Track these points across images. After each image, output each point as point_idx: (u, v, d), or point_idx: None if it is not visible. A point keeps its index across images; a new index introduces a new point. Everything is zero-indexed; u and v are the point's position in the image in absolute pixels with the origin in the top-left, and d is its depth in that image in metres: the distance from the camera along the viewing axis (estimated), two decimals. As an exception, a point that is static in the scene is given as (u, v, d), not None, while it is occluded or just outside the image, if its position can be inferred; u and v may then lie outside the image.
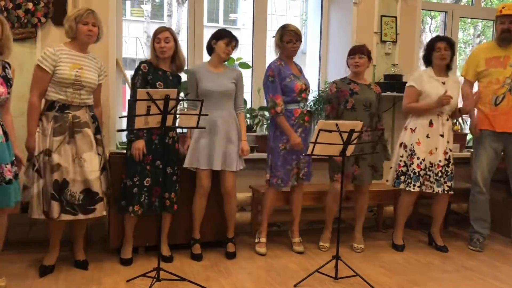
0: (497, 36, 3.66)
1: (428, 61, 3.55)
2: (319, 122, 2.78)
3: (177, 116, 2.95)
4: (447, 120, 3.47)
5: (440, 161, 3.42)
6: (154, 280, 2.68)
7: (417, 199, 4.09)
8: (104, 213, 2.87)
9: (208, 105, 3.12)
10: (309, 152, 2.82)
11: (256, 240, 3.51)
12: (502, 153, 3.69)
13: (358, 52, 3.43)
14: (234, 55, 4.13)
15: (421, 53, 3.64)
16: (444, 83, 3.46)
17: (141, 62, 3.09)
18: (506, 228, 3.98)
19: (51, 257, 2.96)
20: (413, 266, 3.29)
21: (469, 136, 4.83)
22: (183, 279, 2.80)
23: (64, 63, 2.78)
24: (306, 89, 3.40)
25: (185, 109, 3.67)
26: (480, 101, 3.67)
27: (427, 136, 3.45)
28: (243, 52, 4.47)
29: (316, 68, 4.55)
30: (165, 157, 3.05)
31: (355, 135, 2.81)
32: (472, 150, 4.43)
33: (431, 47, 3.50)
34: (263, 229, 3.51)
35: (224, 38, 3.20)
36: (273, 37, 3.45)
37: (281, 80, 3.32)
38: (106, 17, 3.53)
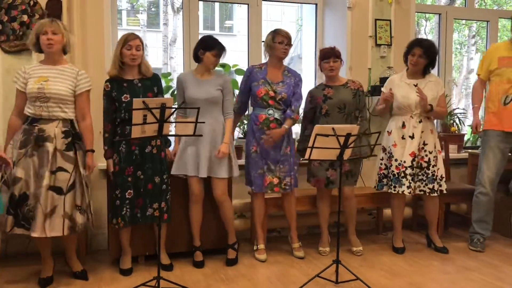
0: None
1: (406, 62, 3.56)
2: (315, 127, 2.79)
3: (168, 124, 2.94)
4: (420, 121, 3.45)
5: (405, 161, 3.42)
6: (154, 289, 2.68)
7: (415, 201, 4.11)
8: (64, 233, 2.75)
9: (194, 112, 3.12)
10: (306, 156, 2.83)
11: (255, 248, 3.51)
12: (509, 154, 3.67)
13: (332, 55, 3.41)
14: (230, 62, 4.16)
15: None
16: (416, 85, 3.46)
17: (105, 81, 3.08)
18: (506, 228, 3.97)
19: (47, 269, 2.94)
20: (413, 268, 3.29)
21: (466, 137, 4.84)
22: (183, 287, 2.79)
23: (32, 77, 2.80)
24: (274, 96, 3.34)
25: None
26: (489, 100, 3.66)
27: (402, 138, 3.47)
28: (238, 59, 4.49)
29: (312, 73, 4.56)
30: (149, 166, 3.03)
31: (352, 138, 2.82)
32: (469, 150, 4.46)
33: (409, 49, 3.51)
34: (259, 236, 3.51)
35: (212, 50, 3.18)
36: (262, 41, 3.47)
37: (249, 82, 3.39)
38: (102, 27, 3.55)
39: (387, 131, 3.58)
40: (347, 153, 2.89)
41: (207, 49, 3.19)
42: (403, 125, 3.48)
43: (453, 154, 4.41)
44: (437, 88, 3.51)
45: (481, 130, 3.69)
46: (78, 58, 3.46)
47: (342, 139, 2.78)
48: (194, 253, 3.33)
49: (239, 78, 4.01)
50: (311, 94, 3.56)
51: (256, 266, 3.33)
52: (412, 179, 3.43)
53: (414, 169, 3.44)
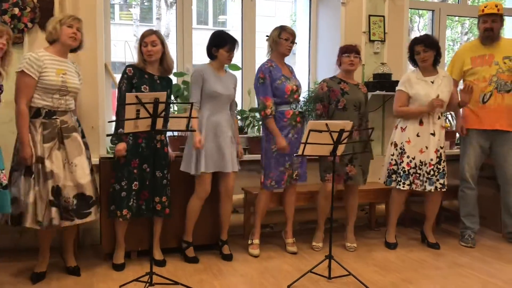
0: (480, 35, 3.70)
1: (414, 61, 3.57)
2: (309, 123, 2.79)
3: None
4: (438, 118, 3.49)
5: (431, 159, 3.44)
6: (147, 284, 2.67)
7: (408, 197, 4.13)
8: (97, 216, 2.90)
9: (214, 107, 3.17)
10: (300, 152, 2.83)
11: (249, 242, 3.51)
12: (489, 150, 3.72)
13: (354, 51, 3.44)
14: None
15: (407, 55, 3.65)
16: (433, 82, 3.48)
17: (127, 66, 3.07)
18: (497, 224, 4.01)
19: (42, 264, 2.93)
20: (406, 264, 3.30)
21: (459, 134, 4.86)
22: (176, 283, 2.79)
23: (49, 68, 2.74)
24: (297, 90, 3.40)
25: (175, 113, 3.67)
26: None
27: (417, 135, 3.47)
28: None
29: (305, 68, 4.55)
30: (153, 160, 3.01)
31: (345, 134, 2.82)
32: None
33: (412, 50, 3.53)
34: (256, 231, 3.51)
35: (225, 46, 3.17)
36: (267, 36, 3.43)
37: (271, 81, 3.32)
38: (94, 21, 3.52)
39: (401, 127, 3.54)
40: (340, 149, 2.89)
41: (219, 46, 3.18)
42: (421, 122, 3.47)
43: (446, 150, 4.42)
44: (450, 82, 3.55)
45: (465, 132, 3.74)
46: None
47: (335, 135, 2.78)
48: (186, 249, 3.31)
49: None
50: (328, 84, 3.48)
51: (249, 261, 3.33)
52: (428, 178, 3.46)
53: (434, 165, 3.46)
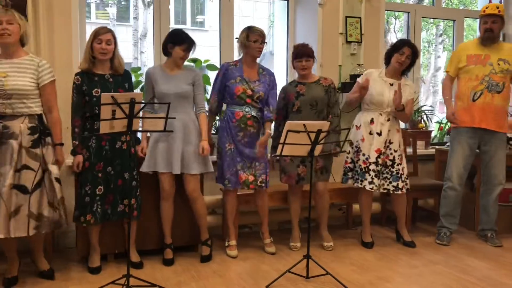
0: (480, 35, 3.74)
1: (387, 59, 3.60)
2: (286, 123, 2.80)
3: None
4: (388, 120, 3.52)
5: (369, 156, 3.49)
6: (124, 287, 2.63)
7: (384, 196, 4.18)
8: (30, 233, 2.67)
9: (164, 108, 3.09)
10: (278, 152, 2.83)
11: (226, 244, 3.50)
12: (477, 150, 3.76)
13: (305, 55, 3.42)
14: (202, 57, 4.13)
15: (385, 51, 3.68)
16: (392, 84, 3.52)
17: (75, 74, 3.00)
18: (471, 222, 4.09)
19: (12, 269, 2.86)
20: (382, 263, 3.35)
21: (434, 134, 4.96)
22: (153, 285, 2.76)
23: None
24: (252, 94, 3.33)
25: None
26: (458, 97, 3.76)
27: (370, 133, 3.53)
28: (210, 54, 4.46)
29: (284, 69, 4.57)
30: (119, 162, 2.98)
31: (322, 135, 2.84)
32: (436, 147, 4.56)
33: (397, 47, 3.54)
34: (231, 232, 3.50)
35: (181, 45, 3.14)
36: (237, 38, 3.43)
37: (225, 80, 3.35)
38: (69, 20, 3.46)
39: (356, 126, 3.63)
40: (318, 149, 2.91)
41: (176, 43, 3.15)
42: (371, 121, 3.53)
43: (421, 150, 4.51)
44: (410, 92, 3.59)
45: (454, 121, 3.73)
46: (45, 51, 3.36)
47: (313, 136, 2.80)
48: (164, 251, 3.29)
49: (210, 74, 3.99)
50: (284, 90, 3.57)
51: (227, 262, 3.32)
52: (376, 176, 3.49)
53: (379, 166, 3.50)
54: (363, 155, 3.53)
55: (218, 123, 3.77)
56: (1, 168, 2.64)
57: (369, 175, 3.48)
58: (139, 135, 3.34)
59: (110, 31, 2.98)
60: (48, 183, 2.75)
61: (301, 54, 3.43)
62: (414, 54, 3.54)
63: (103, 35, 2.93)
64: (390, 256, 3.48)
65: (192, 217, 3.37)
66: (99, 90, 2.94)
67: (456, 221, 3.83)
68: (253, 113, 3.35)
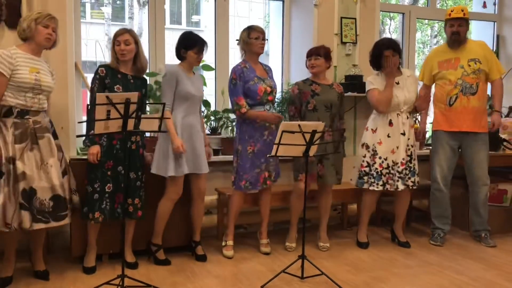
0: (447, 38, 3.79)
1: (377, 66, 3.59)
2: (281, 124, 2.80)
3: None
4: (407, 118, 3.56)
5: (403, 159, 3.50)
6: (119, 287, 2.63)
7: (380, 196, 4.19)
8: (69, 220, 2.85)
9: (187, 108, 3.15)
10: (273, 153, 2.84)
11: (223, 244, 3.50)
12: (459, 151, 3.81)
13: (314, 53, 3.47)
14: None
15: (369, 59, 3.67)
16: (398, 83, 3.54)
17: (99, 66, 3.01)
18: (465, 223, 4.11)
19: (7, 268, 2.85)
20: (377, 263, 3.35)
21: (428, 134, 4.97)
22: (148, 285, 2.76)
23: (22, 66, 2.68)
24: (271, 91, 3.39)
25: (147, 113, 3.63)
26: (436, 102, 3.82)
27: (388, 136, 3.53)
28: (205, 54, 4.45)
29: (279, 69, 4.57)
30: (127, 162, 2.96)
31: (317, 135, 2.84)
32: (430, 147, 4.58)
33: (378, 55, 3.54)
34: (229, 232, 3.50)
35: (194, 48, 3.15)
36: (237, 39, 3.43)
37: (244, 82, 3.31)
38: (64, 19, 3.45)
39: (371, 129, 3.58)
40: (313, 150, 2.92)
41: (188, 48, 3.15)
42: (390, 123, 3.53)
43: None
44: (415, 82, 3.62)
45: (424, 136, 3.97)
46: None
47: (308, 136, 2.81)
48: (157, 253, 3.27)
49: (206, 74, 3.98)
50: (299, 87, 3.51)
51: (222, 262, 3.32)
52: (402, 176, 3.52)
53: (406, 163, 3.53)
54: (380, 158, 3.52)
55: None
56: (49, 160, 2.73)
57: (406, 174, 3.50)
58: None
59: (128, 31, 3.01)
60: (69, 171, 2.94)
61: (311, 52, 3.48)
62: (398, 50, 3.52)
63: (120, 36, 2.97)
64: (385, 256, 3.49)
65: (185, 218, 3.36)
66: (120, 87, 2.97)
67: (448, 222, 3.85)
68: (272, 110, 3.41)
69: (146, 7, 4.72)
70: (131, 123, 2.59)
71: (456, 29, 3.68)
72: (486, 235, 3.82)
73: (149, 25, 4.10)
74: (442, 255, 3.54)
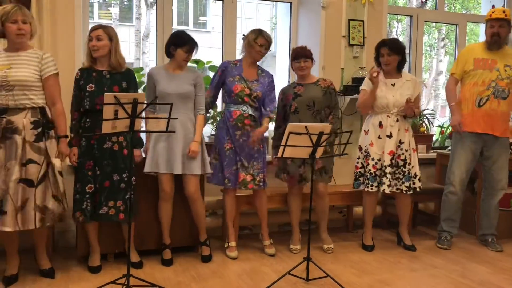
0: (487, 39, 3.70)
1: (379, 63, 3.61)
2: (288, 125, 2.80)
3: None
4: (397, 121, 3.52)
5: (384, 160, 3.49)
6: (124, 287, 2.64)
7: (385, 199, 4.18)
8: (36, 226, 2.69)
9: (166, 107, 3.10)
10: (279, 155, 2.84)
11: (226, 245, 3.50)
12: (479, 155, 3.74)
13: (303, 56, 3.45)
14: (204, 58, 4.14)
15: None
16: (393, 85, 3.53)
17: (78, 70, 3.04)
18: (471, 226, 4.09)
19: (12, 266, 2.86)
20: (382, 266, 3.34)
21: (435, 137, 4.95)
22: (153, 285, 2.76)
23: None
24: (249, 94, 3.35)
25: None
26: (463, 101, 3.72)
27: (379, 137, 3.53)
28: (213, 55, 4.47)
29: (285, 71, 4.57)
30: (109, 163, 2.95)
31: (324, 137, 2.84)
32: (437, 150, 4.56)
33: (377, 52, 3.58)
34: (230, 233, 3.50)
35: (184, 46, 3.15)
36: (243, 35, 3.44)
37: (223, 77, 3.39)
38: (72, 20, 3.47)
39: (364, 130, 3.62)
40: (319, 152, 2.91)
41: (178, 45, 3.16)
42: (380, 124, 3.53)
43: (422, 154, 4.50)
44: (414, 87, 3.57)
45: (460, 130, 3.67)
46: (47, 50, 3.37)
47: (314, 138, 2.80)
48: (163, 251, 3.29)
49: (212, 75, 3.98)
50: (283, 92, 3.59)
51: (227, 263, 3.32)
52: (392, 178, 3.50)
53: (393, 167, 3.50)
54: (372, 159, 3.52)
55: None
56: (7, 163, 2.67)
57: (387, 178, 3.47)
58: (142, 137, 3.33)
59: (102, 27, 2.98)
60: (52, 176, 2.78)
61: (299, 55, 3.45)
62: (394, 47, 3.49)
63: (92, 32, 2.96)
64: (390, 259, 3.47)
65: (191, 218, 3.37)
66: (93, 86, 2.95)
67: (456, 225, 3.82)
68: (250, 112, 3.37)
69: (154, 7, 4.74)
70: (138, 123, 2.60)
71: (497, 30, 3.61)
72: (493, 239, 3.79)
73: (156, 25, 4.12)
74: (448, 258, 3.52)
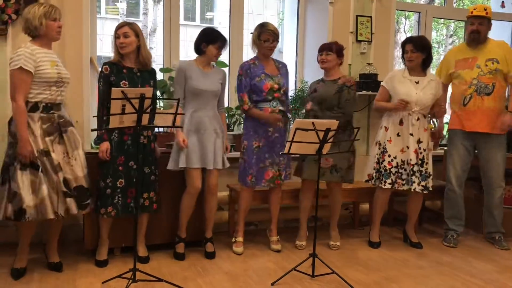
0: (467, 37, 3.75)
1: (404, 59, 3.62)
2: (295, 121, 2.79)
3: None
4: (418, 119, 3.49)
5: (411, 159, 3.47)
6: (130, 281, 2.65)
7: (392, 196, 4.16)
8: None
9: (198, 103, 3.16)
10: (285, 151, 2.83)
11: (233, 240, 3.51)
12: (475, 151, 3.76)
13: (326, 49, 3.46)
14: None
15: (396, 53, 3.70)
16: (417, 82, 3.50)
17: (103, 64, 3.03)
18: (478, 224, 4.07)
19: (22, 260, 2.89)
20: (388, 263, 3.34)
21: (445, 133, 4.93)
22: (159, 280, 2.77)
23: (44, 61, 2.71)
24: (279, 88, 3.37)
25: (161, 108, 3.64)
26: (452, 101, 3.78)
27: (398, 134, 3.51)
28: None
29: (293, 67, 4.56)
30: (140, 157, 2.97)
31: (331, 133, 2.83)
32: (445, 148, 4.53)
33: (402, 48, 3.60)
34: (239, 229, 3.51)
35: (215, 43, 3.17)
36: (251, 33, 3.44)
37: (250, 79, 3.34)
38: (80, 15, 3.48)
39: (384, 127, 3.56)
40: (326, 148, 2.90)
41: (210, 42, 3.17)
42: (401, 122, 3.50)
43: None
44: (437, 88, 3.55)
45: (440, 136, 3.91)
46: (55, 46, 3.36)
47: (321, 134, 2.80)
48: (176, 244, 3.30)
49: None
50: (310, 86, 3.63)
51: (233, 259, 3.33)
52: (416, 176, 3.49)
53: (415, 166, 3.48)
54: (389, 156, 3.50)
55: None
56: (75, 152, 2.82)
57: (416, 176, 3.47)
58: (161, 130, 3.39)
59: (128, 24, 3.02)
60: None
61: (323, 47, 3.47)
62: (419, 45, 3.48)
63: (119, 29, 2.99)
64: (397, 257, 3.47)
65: (199, 213, 3.38)
66: (126, 83, 2.97)
67: (461, 223, 3.81)
68: (280, 107, 3.39)
69: (161, 3, 4.74)
70: (145, 118, 2.61)
71: (476, 28, 3.62)
72: (500, 237, 3.78)
73: (164, 21, 4.11)
74: (454, 256, 3.51)
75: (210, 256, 3.32)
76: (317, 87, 3.49)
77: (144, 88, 2.60)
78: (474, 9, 3.64)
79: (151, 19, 12.85)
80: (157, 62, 4.72)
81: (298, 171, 3.58)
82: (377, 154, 3.59)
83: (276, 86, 3.36)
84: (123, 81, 2.97)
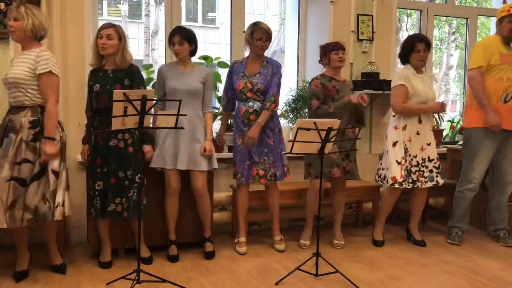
0: (505, 34, 3.60)
1: (405, 59, 3.56)
2: (297, 121, 2.80)
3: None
4: (431, 117, 3.57)
5: (428, 156, 3.50)
6: (134, 282, 2.66)
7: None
8: (23, 225, 2.68)
9: (175, 104, 3.11)
10: (287, 150, 2.84)
11: (236, 241, 3.51)
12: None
13: (341, 48, 3.46)
14: (213, 54, 4.14)
15: (398, 51, 3.66)
16: (422, 80, 3.52)
17: (90, 71, 3.09)
18: (482, 222, 4.06)
19: (23, 262, 2.89)
20: (392, 261, 3.33)
21: (445, 132, 4.92)
22: (163, 280, 2.78)
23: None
24: (251, 88, 3.34)
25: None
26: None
27: (417, 133, 3.49)
28: (221, 51, 4.46)
29: (294, 67, 4.56)
30: (115, 160, 2.95)
31: (333, 133, 2.83)
32: (447, 146, 4.53)
33: (410, 46, 3.50)
34: (240, 229, 3.51)
35: (170, 41, 3.23)
36: (244, 32, 3.46)
37: (231, 77, 3.42)
38: (82, 17, 3.49)
39: (402, 127, 3.48)
40: (328, 147, 2.91)
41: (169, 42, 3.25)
42: (420, 121, 3.49)
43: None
44: (432, 82, 3.61)
45: (497, 129, 3.53)
46: (58, 48, 3.40)
47: (323, 134, 2.80)
48: (169, 247, 3.31)
49: (221, 71, 4.00)
50: (321, 82, 3.43)
51: (237, 259, 3.33)
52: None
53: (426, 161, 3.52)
54: (409, 155, 3.49)
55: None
56: (1, 160, 2.68)
57: (432, 171, 3.51)
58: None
59: (113, 26, 2.98)
60: (45, 175, 2.74)
61: (338, 46, 3.46)
62: (429, 45, 3.51)
63: (103, 30, 2.96)
64: (400, 255, 3.46)
65: (197, 213, 3.38)
66: (98, 86, 2.98)
67: (467, 220, 3.80)
68: (256, 107, 3.36)
69: (163, 4, 4.75)
70: (147, 120, 2.62)
71: None
72: (505, 234, 3.76)
73: (165, 22, 4.12)
74: (458, 254, 3.50)
75: (209, 255, 3.32)
76: (336, 86, 3.42)
77: (146, 90, 2.61)
78: (511, 7, 3.54)
79: (153, 21, 12.89)
80: (160, 63, 4.74)
81: (309, 173, 3.52)
82: (402, 157, 3.44)
83: (249, 85, 3.34)
84: (96, 85, 2.98)
